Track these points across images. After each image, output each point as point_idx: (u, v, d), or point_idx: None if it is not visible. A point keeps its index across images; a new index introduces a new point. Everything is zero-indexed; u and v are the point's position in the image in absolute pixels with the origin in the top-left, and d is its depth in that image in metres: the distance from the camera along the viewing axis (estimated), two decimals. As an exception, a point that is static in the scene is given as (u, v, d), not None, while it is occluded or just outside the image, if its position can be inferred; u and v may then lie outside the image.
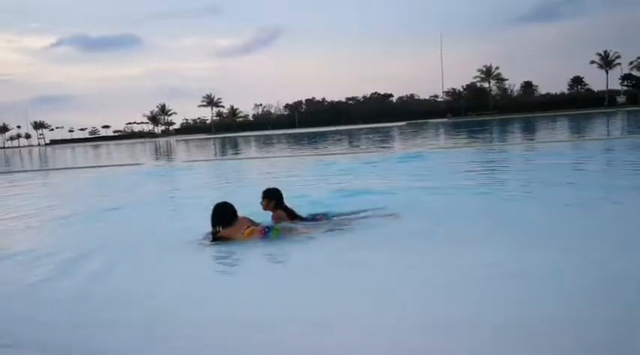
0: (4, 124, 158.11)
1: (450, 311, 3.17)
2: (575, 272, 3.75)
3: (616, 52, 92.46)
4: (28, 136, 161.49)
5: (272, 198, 5.58)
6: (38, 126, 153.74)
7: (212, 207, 5.19)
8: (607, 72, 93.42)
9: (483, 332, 2.86)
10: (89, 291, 3.99)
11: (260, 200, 5.63)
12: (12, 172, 23.09)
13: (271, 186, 5.72)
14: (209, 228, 5.22)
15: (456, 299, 3.38)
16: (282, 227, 5.29)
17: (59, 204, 9.86)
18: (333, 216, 5.77)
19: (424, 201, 7.13)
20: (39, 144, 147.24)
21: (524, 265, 3.97)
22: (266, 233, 5.13)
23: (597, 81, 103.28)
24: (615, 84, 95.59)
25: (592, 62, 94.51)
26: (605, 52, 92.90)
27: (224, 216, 5.13)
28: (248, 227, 5.13)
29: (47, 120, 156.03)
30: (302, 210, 5.87)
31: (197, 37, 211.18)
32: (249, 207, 5.54)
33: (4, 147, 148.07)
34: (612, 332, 2.80)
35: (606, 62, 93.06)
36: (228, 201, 5.26)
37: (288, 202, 5.74)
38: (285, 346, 2.87)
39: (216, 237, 5.10)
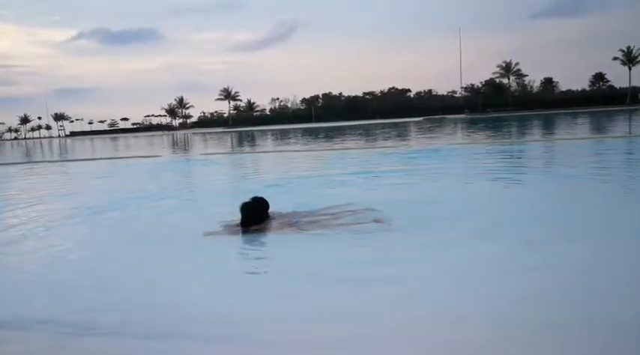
0: (25, 115, 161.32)
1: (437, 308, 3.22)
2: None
3: (639, 48, 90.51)
4: (48, 128, 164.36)
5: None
6: (58, 117, 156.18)
7: (253, 203, 5.24)
8: (630, 68, 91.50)
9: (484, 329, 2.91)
10: (110, 280, 4.02)
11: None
12: (34, 162, 23.54)
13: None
14: (225, 219, 5.36)
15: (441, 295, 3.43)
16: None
17: (82, 193, 10.10)
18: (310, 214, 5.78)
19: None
20: (59, 136, 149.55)
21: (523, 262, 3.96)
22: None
23: (620, 77, 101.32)
24: (638, 81, 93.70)
25: (614, 58, 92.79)
26: (629, 47, 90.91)
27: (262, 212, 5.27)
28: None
29: (67, 112, 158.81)
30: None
31: (216, 31, 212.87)
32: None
33: (25, 138, 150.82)
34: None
35: (629, 58, 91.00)
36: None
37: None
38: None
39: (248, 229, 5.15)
